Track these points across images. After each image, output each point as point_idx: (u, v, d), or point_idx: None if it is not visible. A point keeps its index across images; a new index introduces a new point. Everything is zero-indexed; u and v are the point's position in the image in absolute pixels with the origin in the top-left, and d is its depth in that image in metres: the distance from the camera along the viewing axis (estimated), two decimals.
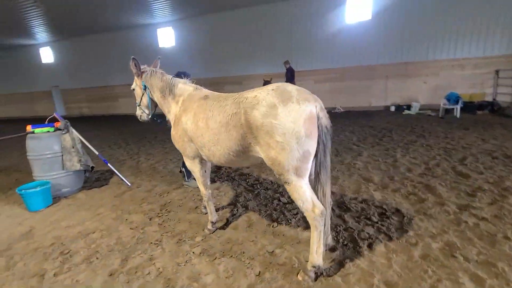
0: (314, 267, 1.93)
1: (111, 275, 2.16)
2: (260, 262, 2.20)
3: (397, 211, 2.91)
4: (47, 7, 10.85)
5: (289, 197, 3.40)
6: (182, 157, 3.45)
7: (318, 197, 1.94)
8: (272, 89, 1.92)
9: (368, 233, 2.51)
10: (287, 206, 3.17)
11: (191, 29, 13.20)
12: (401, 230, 2.53)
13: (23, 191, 3.39)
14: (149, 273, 2.16)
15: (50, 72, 17.54)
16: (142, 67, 2.77)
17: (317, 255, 1.91)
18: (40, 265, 2.34)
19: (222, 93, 2.39)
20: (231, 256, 2.30)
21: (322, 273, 2.00)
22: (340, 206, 3.10)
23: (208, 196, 2.70)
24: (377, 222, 2.70)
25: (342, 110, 11.15)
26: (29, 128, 3.79)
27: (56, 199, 3.77)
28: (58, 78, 17.51)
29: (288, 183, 1.88)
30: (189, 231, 2.76)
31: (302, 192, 1.86)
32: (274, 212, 3.04)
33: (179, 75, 3.58)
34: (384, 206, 3.01)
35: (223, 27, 12.46)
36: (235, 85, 12.65)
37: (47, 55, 17.11)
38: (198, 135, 2.28)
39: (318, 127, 1.84)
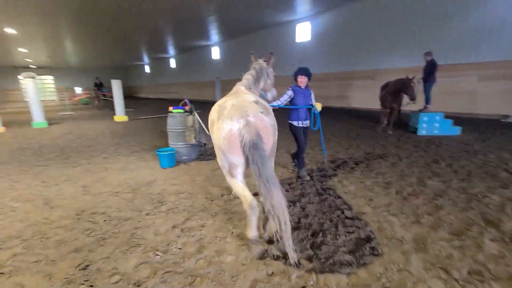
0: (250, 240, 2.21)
1: (173, 227, 2.80)
2: (278, 265, 2.17)
3: (509, 279, 1.94)
4: (221, 17, 13.83)
5: (356, 212, 2.99)
6: (297, 148, 3.94)
7: (266, 208, 1.93)
8: (219, 105, 2.22)
9: None
10: (346, 221, 2.81)
11: (326, 23, 12.94)
12: None
13: (157, 152, 4.80)
14: (193, 235, 2.62)
15: (216, 66, 22.40)
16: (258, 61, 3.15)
17: (247, 230, 2.22)
18: (143, 205, 3.34)
19: (233, 96, 2.30)
20: None
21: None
22: (416, 242, 2.41)
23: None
24: (457, 281, 1.94)
25: None
26: (170, 108, 5.22)
27: (178, 163, 5.06)
28: (220, 71, 22.09)
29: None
30: (242, 214, 3.04)
31: (234, 187, 2.22)
32: (327, 222, 2.79)
33: (299, 71, 3.75)
34: (490, 266, 2.08)
35: (359, 18, 11.41)
36: (366, 80, 11.47)
37: (215, 53, 21.88)
38: None
39: (241, 143, 1.97)
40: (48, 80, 33.56)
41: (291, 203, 3.29)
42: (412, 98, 6.39)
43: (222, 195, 3.58)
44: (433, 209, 3.02)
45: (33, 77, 10.42)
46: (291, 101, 3.86)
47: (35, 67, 31.32)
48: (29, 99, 10.51)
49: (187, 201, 3.42)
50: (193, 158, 5.26)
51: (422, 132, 6.84)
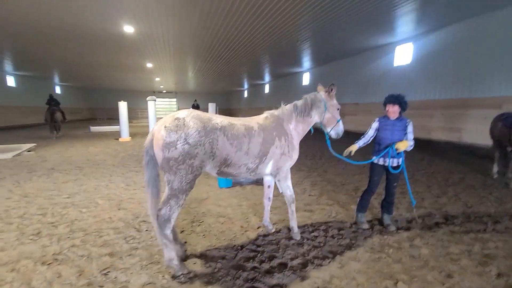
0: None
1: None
2: None
3: None
4: (315, 43, 14.05)
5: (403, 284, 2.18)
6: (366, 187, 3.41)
7: None
8: None
9: None
10: None
11: (433, 43, 11.01)
12: None
13: None
14: (208, 266, 2.48)
15: (305, 92, 22.49)
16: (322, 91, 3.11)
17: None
18: (184, 222, 3.47)
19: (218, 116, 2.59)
20: None
21: None
22: None
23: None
24: None
25: None
26: None
27: (234, 184, 5.14)
28: None
29: None
30: (269, 253, 2.71)
31: None
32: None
33: (387, 98, 3.24)
34: None
35: (481, 33, 9.13)
36: (487, 109, 8.89)
37: (306, 79, 22.16)
38: None
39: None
40: (173, 101, 42.00)
41: (331, 253, 2.72)
42: None
43: (259, 227, 3.34)
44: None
45: (154, 100, 13.17)
46: (377, 135, 3.30)
47: (165, 91, 39.88)
48: (148, 116, 13.29)
49: (222, 227, 3.35)
50: (251, 182, 5.24)
51: None
